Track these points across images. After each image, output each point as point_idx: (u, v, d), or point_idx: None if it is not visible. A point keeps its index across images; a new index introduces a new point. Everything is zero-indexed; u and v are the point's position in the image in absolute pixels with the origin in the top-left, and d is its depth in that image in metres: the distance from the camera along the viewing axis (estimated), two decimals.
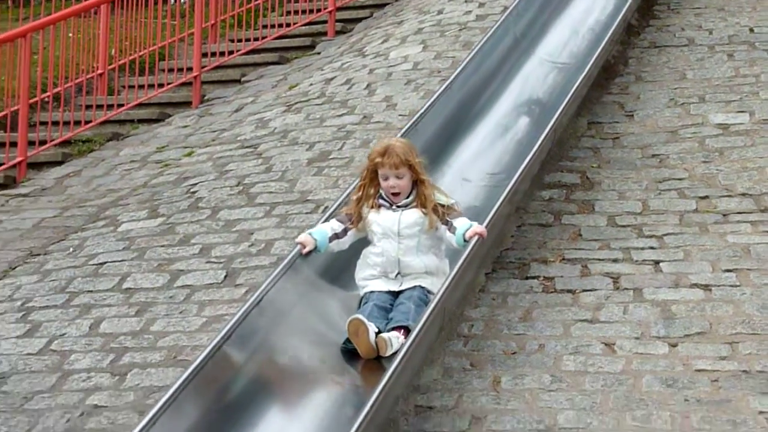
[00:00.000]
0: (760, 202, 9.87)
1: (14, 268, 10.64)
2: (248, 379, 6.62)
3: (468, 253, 7.43)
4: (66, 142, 13.95)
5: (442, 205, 7.60)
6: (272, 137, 12.66)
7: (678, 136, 11.18)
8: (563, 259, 9.35)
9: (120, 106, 14.64)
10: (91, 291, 9.89)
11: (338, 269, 7.70)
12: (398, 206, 7.54)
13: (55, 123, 14.28)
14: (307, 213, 10.52)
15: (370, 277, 7.48)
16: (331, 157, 11.78)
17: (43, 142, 13.83)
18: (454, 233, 7.56)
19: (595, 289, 8.89)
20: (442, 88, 11.34)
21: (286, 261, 7.31)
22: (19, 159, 13.35)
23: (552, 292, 8.93)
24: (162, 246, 10.50)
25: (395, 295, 7.36)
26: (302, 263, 7.54)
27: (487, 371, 8.03)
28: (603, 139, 11.33)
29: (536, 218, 9.99)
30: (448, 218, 7.58)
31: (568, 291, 8.92)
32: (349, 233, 7.64)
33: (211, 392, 6.53)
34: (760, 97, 11.70)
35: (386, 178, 7.46)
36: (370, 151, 7.59)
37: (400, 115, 12.34)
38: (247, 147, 12.55)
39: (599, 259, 9.30)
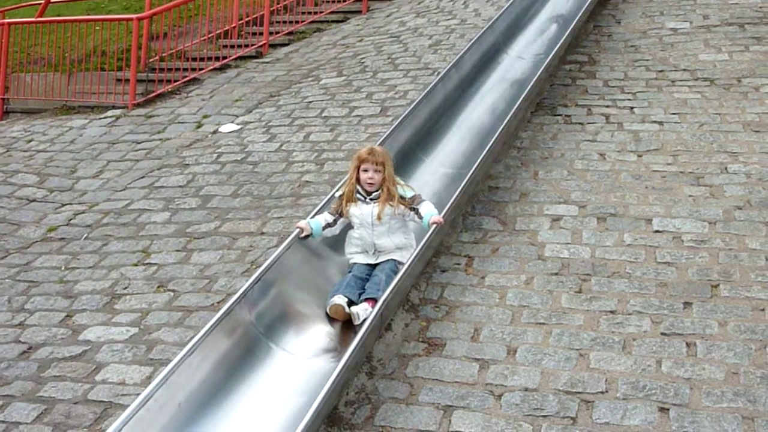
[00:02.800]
0: (694, 74, 9.52)
1: (261, 103, 10.61)
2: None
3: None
4: (290, 33, 13.74)
5: (404, 198, 6.05)
6: (408, 32, 12.41)
7: (646, 35, 10.79)
8: (576, 104, 9.10)
9: (321, 12, 14.39)
10: (304, 117, 9.83)
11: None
12: (371, 199, 6.02)
13: (285, 22, 14.10)
14: (428, 75, 10.33)
15: (354, 252, 6.07)
16: (442, 43, 11.52)
17: (277, 32, 13.66)
18: (421, 218, 6.04)
19: (595, 123, 8.66)
20: (507, 5, 11.05)
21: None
22: (263, 41, 13.20)
23: (569, 123, 8.72)
24: (344, 93, 10.38)
25: (373, 266, 5.98)
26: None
27: (530, 168, 7.93)
28: (601, 35, 10.96)
29: (561, 81, 9.71)
30: (414, 206, 6.05)
31: (579, 123, 8.70)
32: (338, 222, 6.12)
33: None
34: (696, 13, 11.22)
35: (366, 171, 5.98)
36: (358, 153, 6.12)
37: (483, 19, 12.03)
38: (393, 37, 12.31)
39: (598, 105, 9.03)
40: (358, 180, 6.08)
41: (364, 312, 5.57)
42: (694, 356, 5.37)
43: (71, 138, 10.51)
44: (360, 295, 5.77)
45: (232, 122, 10.10)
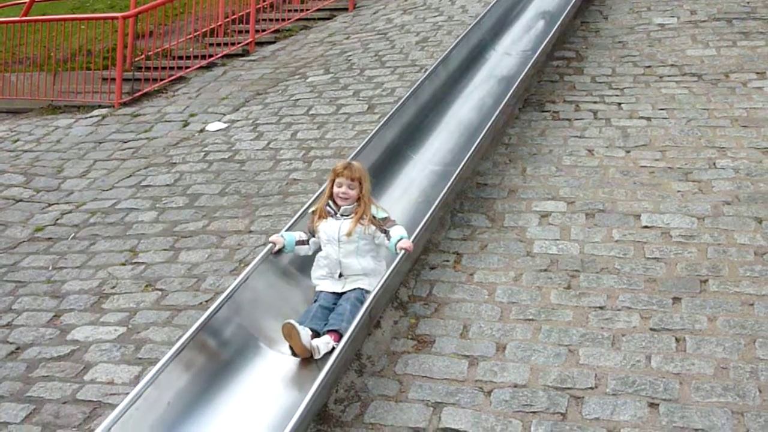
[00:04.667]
0: (682, 69, 9.55)
1: (248, 102, 10.59)
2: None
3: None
4: (276, 30, 13.73)
5: (375, 218, 5.74)
6: (395, 29, 12.42)
7: (634, 30, 10.82)
8: (564, 101, 9.12)
9: (308, 10, 14.38)
10: (291, 115, 9.83)
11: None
12: (341, 215, 5.74)
13: (271, 20, 14.09)
14: (415, 72, 10.33)
15: (321, 277, 5.72)
16: (429, 40, 11.53)
17: (263, 30, 13.65)
18: (389, 240, 5.72)
19: (583, 119, 8.69)
20: (494, 2, 11.08)
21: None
22: (250, 39, 13.19)
23: (557, 120, 8.74)
24: (331, 90, 10.38)
25: (339, 295, 5.61)
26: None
27: (518, 164, 7.94)
28: (589, 31, 10.99)
29: (549, 77, 9.74)
30: (384, 227, 5.73)
31: (567, 119, 8.72)
32: (311, 241, 5.87)
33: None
34: (683, 8, 11.26)
35: (340, 185, 5.72)
36: (335, 166, 5.88)
37: (470, 16, 12.04)
38: (380, 34, 12.32)
39: (585, 101, 9.06)
40: (332, 195, 5.83)
41: (325, 346, 5.25)
42: (684, 351, 5.39)
43: (57, 137, 10.49)
44: (326, 325, 5.44)
45: (219, 121, 10.09)
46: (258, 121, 9.82)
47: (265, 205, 7.79)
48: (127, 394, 4.73)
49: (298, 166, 8.48)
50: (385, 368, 5.47)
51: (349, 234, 5.65)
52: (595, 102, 9.02)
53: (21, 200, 8.68)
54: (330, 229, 5.72)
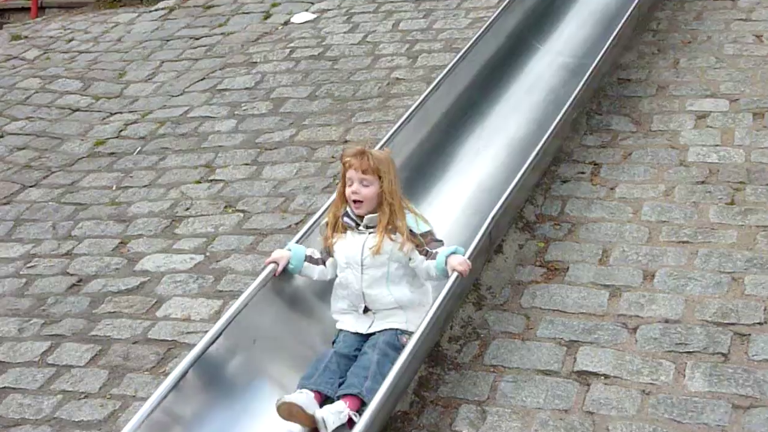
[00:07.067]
0: None
1: None
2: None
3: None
4: None
5: (414, 233, 4.76)
6: None
7: None
8: None
9: None
10: (392, 2, 9.79)
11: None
12: (366, 226, 4.77)
13: None
14: None
15: (341, 311, 4.85)
16: None
17: None
18: (434, 260, 4.71)
19: None
20: None
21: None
22: None
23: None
24: None
25: (366, 338, 4.73)
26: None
27: (669, 55, 7.81)
28: None
29: None
30: (427, 248, 4.74)
31: None
32: (327, 262, 4.90)
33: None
34: None
35: (351, 183, 4.73)
36: (343, 152, 4.97)
37: None
38: None
39: None
40: (345, 196, 4.90)
41: (336, 418, 4.34)
42: None
43: (118, 35, 10.66)
44: (342, 385, 4.57)
45: (306, 10, 10.13)
46: (352, 10, 9.81)
47: (362, 110, 7.82)
48: (206, 332, 4.81)
49: (401, 62, 8.47)
50: (509, 301, 5.49)
51: (377, 252, 4.74)
52: None
53: (78, 110, 8.88)
54: (350, 247, 4.83)
